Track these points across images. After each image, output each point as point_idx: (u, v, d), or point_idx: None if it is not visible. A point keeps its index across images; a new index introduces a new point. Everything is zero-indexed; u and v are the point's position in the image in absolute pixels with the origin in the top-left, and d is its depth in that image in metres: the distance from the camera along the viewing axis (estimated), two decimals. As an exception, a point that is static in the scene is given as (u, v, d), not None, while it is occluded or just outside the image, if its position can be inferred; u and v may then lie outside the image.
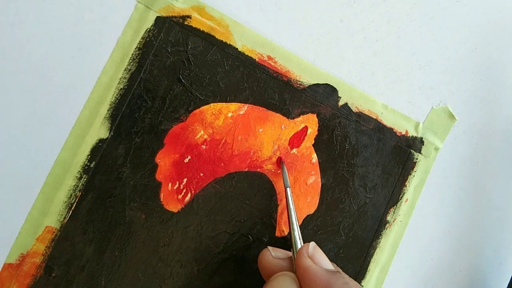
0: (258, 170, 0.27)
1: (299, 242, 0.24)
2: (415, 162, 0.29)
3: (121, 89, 0.25)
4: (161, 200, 0.26)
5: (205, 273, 0.27)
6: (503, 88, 0.31)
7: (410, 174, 0.29)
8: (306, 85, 0.27)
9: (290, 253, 0.25)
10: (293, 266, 0.24)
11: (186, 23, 0.26)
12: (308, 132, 0.28)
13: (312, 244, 0.23)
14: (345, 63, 0.28)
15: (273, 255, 0.25)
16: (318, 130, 0.28)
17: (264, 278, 0.25)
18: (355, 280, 0.28)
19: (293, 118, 0.27)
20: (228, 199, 0.27)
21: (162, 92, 0.26)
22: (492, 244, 0.32)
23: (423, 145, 0.29)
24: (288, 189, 0.26)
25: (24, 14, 0.24)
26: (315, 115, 0.28)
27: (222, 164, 0.26)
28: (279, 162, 0.27)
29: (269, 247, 0.25)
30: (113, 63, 0.25)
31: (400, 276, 0.30)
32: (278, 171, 0.27)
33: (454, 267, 0.31)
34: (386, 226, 0.29)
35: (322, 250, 0.24)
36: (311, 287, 0.21)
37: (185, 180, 0.26)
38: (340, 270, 0.24)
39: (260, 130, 0.27)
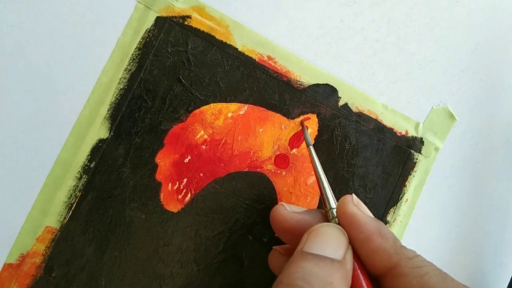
0: (258, 170, 0.27)
1: (329, 193, 0.23)
2: (415, 162, 0.29)
3: (121, 89, 0.25)
4: (161, 200, 0.26)
5: (205, 273, 0.27)
6: (503, 88, 0.31)
7: (410, 174, 0.29)
8: (306, 85, 0.27)
9: (304, 208, 0.24)
10: (318, 219, 0.22)
11: (186, 23, 0.26)
12: (308, 132, 0.28)
13: (353, 195, 0.22)
14: (345, 63, 0.28)
15: (288, 209, 0.23)
16: (318, 130, 0.28)
17: (280, 235, 0.24)
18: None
19: (293, 118, 0.27)
20: (228, 199, 0.27)
21: (162, 92, 0.26)
22: (492, 244, 0.32)
23: (423, 145, 0.29)
24: (311, 147, 0.25)
25: (24, 14, 0.24)
26: (315, 115, 0.28)
27: (222, 164, 0.26)
28: (301, 125, 0.27)
29: (281, 202, 0.24)
30: (113, 63, 0.25)
31: (400, 276, 0.30)
32: (278, 171, 0.27)
33: (454, 267, 0.31)
34: (386, 226, 0.29)
35: None
36: (361, 234, 0.20)
37: (185, 180, 0.26)
38: None
39: (260, 130, 0.27)
